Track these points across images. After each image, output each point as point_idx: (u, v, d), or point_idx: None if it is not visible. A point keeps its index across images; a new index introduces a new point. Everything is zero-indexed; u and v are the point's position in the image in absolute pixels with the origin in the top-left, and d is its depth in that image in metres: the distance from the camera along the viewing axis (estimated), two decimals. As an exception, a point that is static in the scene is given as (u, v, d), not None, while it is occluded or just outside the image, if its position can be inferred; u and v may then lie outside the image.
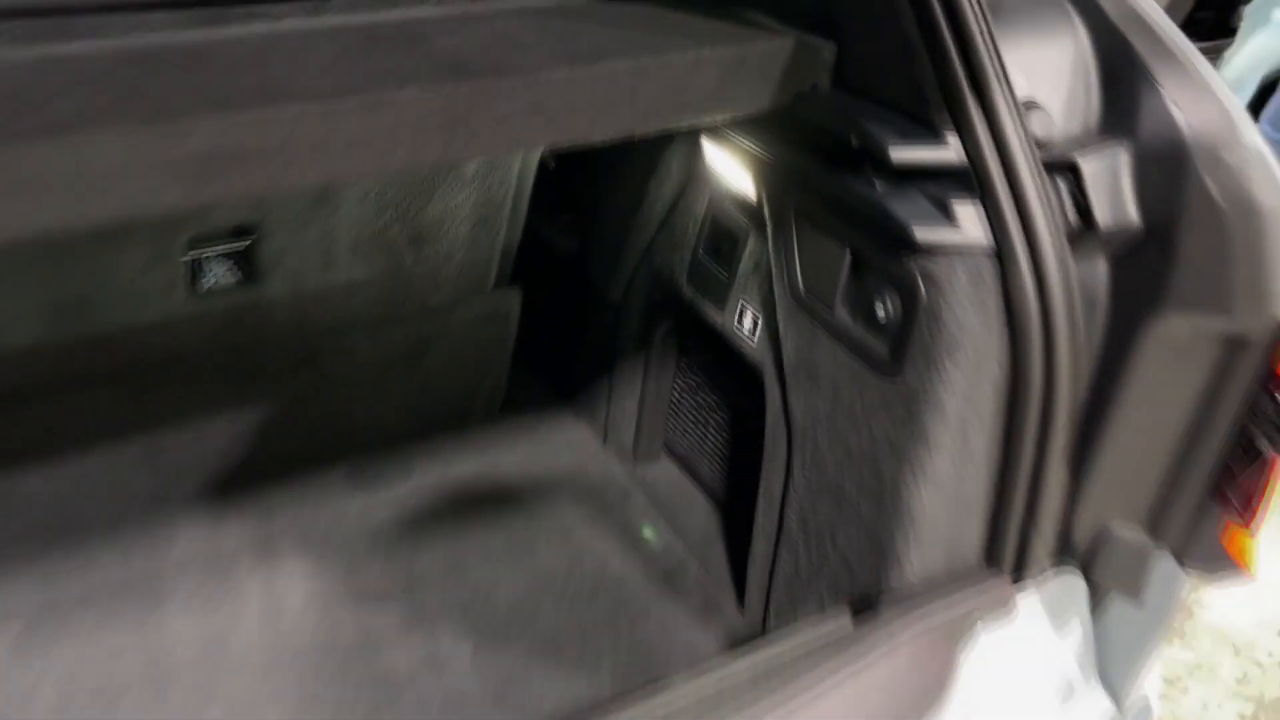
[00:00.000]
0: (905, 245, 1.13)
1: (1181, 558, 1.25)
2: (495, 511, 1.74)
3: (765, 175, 1.35)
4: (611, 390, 1.82)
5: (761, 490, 1.48)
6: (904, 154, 1.11)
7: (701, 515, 1.75)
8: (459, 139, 1.01)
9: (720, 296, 1.50)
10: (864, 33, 1.15)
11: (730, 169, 1.43)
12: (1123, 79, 1.17)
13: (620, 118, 1.08)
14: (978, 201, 1.11)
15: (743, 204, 1.44)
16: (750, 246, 1.44)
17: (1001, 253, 1.10)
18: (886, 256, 1.17)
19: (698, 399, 1.73)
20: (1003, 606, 1.25)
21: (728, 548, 1.68)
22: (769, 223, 1.35)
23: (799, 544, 1.41)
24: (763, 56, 1.14)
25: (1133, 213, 1.13)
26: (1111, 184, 1.13)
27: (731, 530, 1.70)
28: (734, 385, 1.62)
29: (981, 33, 1.06)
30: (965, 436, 1.18)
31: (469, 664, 1.49)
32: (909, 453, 1.20)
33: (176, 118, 0.87)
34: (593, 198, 1.78)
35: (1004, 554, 1.25)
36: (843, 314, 1.26)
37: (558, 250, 1.84)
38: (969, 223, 1.11)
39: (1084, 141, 1.17)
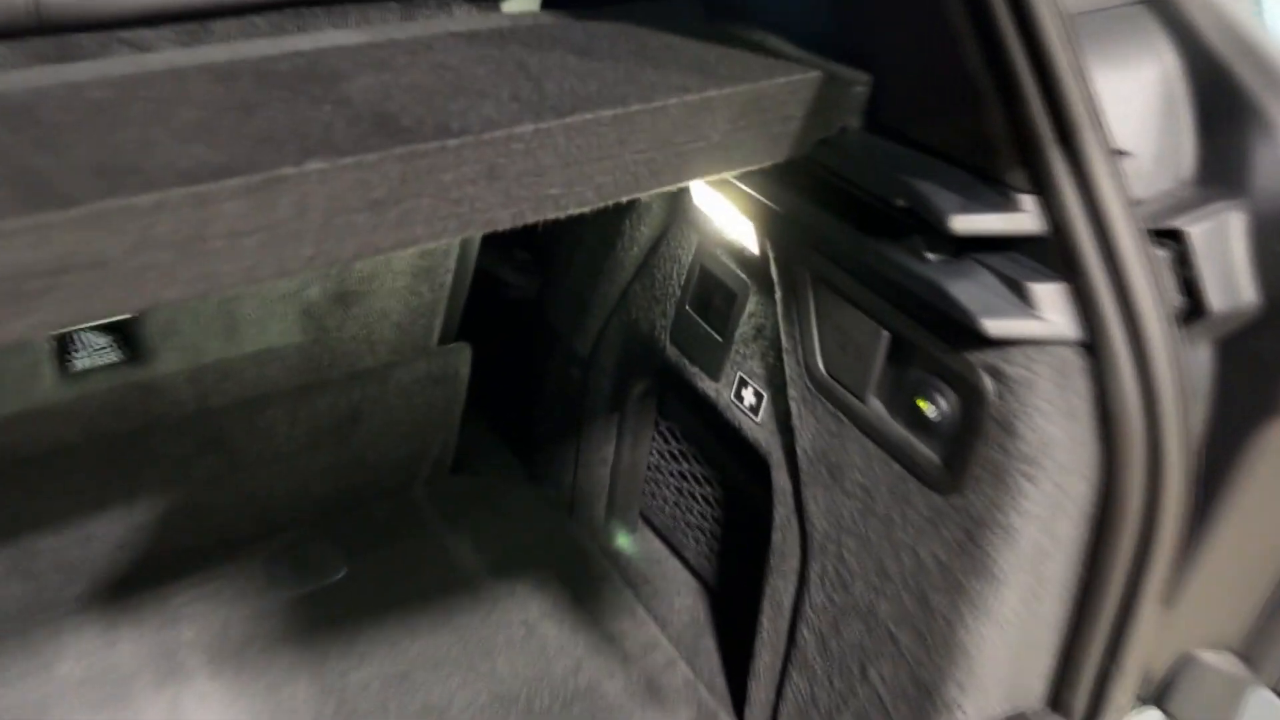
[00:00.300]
0: (968, 335, 0.89)
1: (1288, 694, 1.04)
2: (445, 606, 1.48)
3: (772, 228, 1.09)
4: (580, 455, 1.56)
5: (767, 595, 1.23)
6: (969, 222, 0.86)
7: (688, 598, 1.51)
8: (386, 224, 0.74)
9: (712, 363, 1.25)
10: (910, 64, 0.90)
11: (726, 213, 1.17)
12: (1225, 120, 0.94)
13: (602, 184, 0.82)
14: (1063, 280, 0.87)
15: (741, 256, 1.19)
16: (751, 308, 1.18)
17: (1095, 345, 0.86)
18: (940, 345, 0.93)
19: (682, 468, 1.48)
20: (1075, 761, 1.02)
21: (721, 645, 1.44)
22: (778, 284, 1.10)
23: (817, 668, 1.17)
24: (782, 93, 0.88)
25: (1247, 289, 0.90)
26: (1223, 254, 0.90)
27: (725, 624, 1.46)
28: (729, 459, 1.37)
29: (1070, 65, 0.81)
30: (1039, 568, 0.94)
31: (419, 814, 1.24)
32: (967, 586, 0.96)
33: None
34: (554, 233, 1.51)
35: (1076, 699, 1.03)
36: (877, 407, 1.01)
37: (512, 293, 1.58)
38: (1052, 308, 0.86)
39: (1180, 200, 0.93)
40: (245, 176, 0.67)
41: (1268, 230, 0.89)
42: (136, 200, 0.63)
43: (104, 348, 1.19)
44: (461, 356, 1.48)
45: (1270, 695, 1.05)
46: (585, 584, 1.53)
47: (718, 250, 1.22)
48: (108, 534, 1.36)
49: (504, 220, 0.79)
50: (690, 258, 1.27)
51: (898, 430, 1.00)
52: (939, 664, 1.01)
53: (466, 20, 0.98)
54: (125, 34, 0.88)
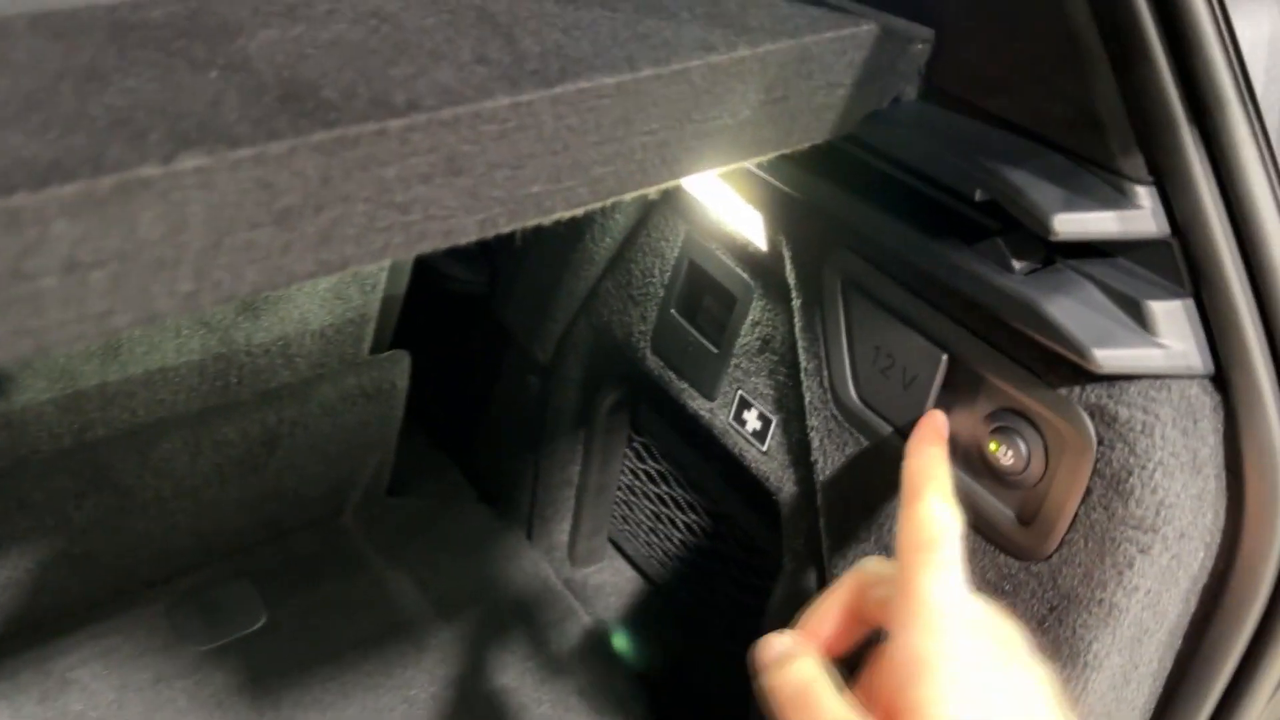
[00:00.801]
0: (1063, 365, 0.70)
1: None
2: (385, 657, 1.26)
3: (790, 219, 0.89)
4: (539, 475, 1.35)
5: (773, 653, 1.04)
6: (1077, 222, 0.66)
7: (670, 635, 1.31)
8: (302, 242, 0.52)
9: (706, 378, 1.04)
10: (989, 15, 0.70)
11: (723, 198, 0.96)
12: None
13: (600, 177, 0.61)
14: (1190, 297, 0.68)
15: (744, 252, 0.98)
16: (755, 315, 0.98)
17: (1229, 379, 0.68)
18: (1022, 376, 0.73)
19: (660, 492, 1.28)
20: None
21: (710, 690, 1.25)
22: (795, 290, 0.90)
23: (837, 742, 0.98)
24: (830, 52, 0.67)
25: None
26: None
27: (713, 667, 1.27)
28: (720, 486, 1.17)
29: (1215, 13, 0.61)
30: (1137, 650, 0.76)
31: None
32: (1050, 670, 0.77)
33: None
34: (504, 218, 1.28)
35: (1161, 790, 0.85)
36: (928, 446, 0.82)
37: (457, 290, 1.35)
38: (1177, 334, 0.67)
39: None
40: (87, 181, 0.44)
41: None
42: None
43: (-54, 376, 0.94)
44: (398, 367, 1.25)
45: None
46: (548, 624, 1.32)
47: (711, 244, 1.01)
48: (-31, 593, 1.12)
49: (469, 230, 0.58)
50: (676, 252, 1.05)
51: (957, 476, 0.80)
52: (1003, 756, 0.83)
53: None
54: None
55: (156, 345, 1.02)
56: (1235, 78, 0.62)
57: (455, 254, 1.35)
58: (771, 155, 0.70)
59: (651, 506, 1.30)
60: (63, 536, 1.13)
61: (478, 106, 0.54)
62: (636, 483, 1.31)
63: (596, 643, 1.31)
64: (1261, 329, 0.66)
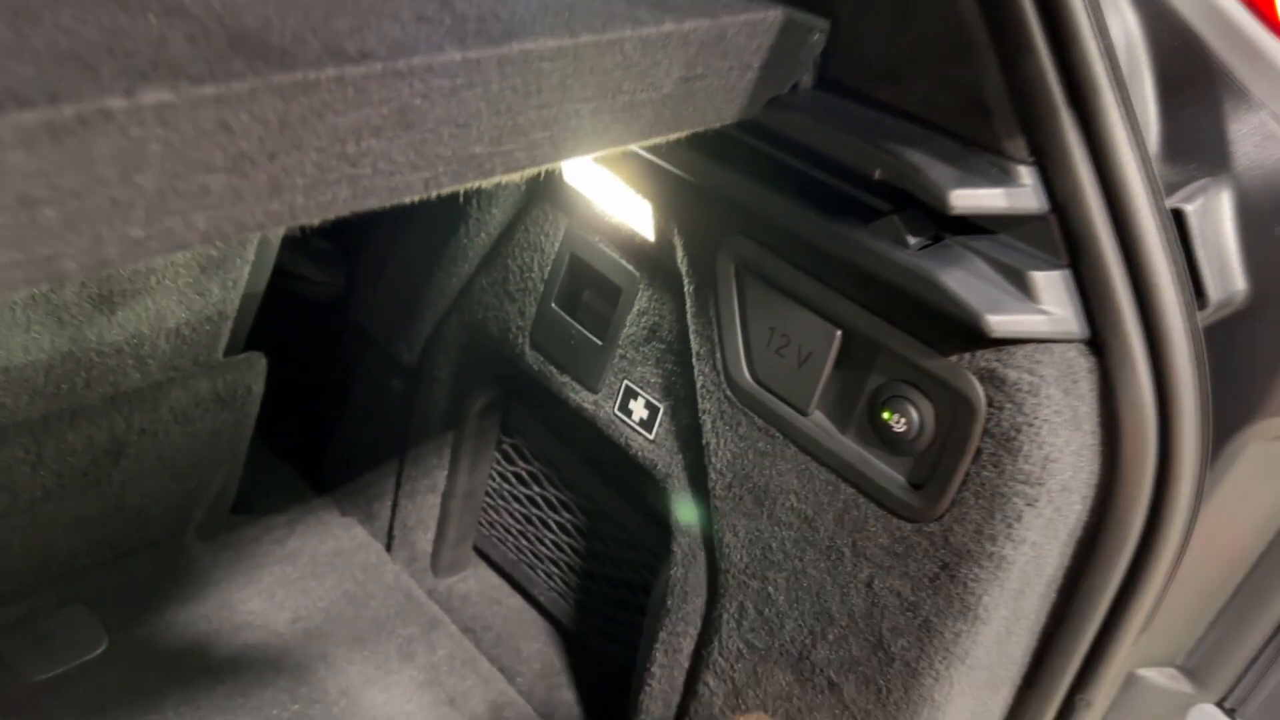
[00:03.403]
0: (954, 333, 0.75)
1: (1235, 711, 0.97)
2: (239, 681, 1.19)
3: (682, 206, 0.91)
4: (401, 482, 1.31)
5: (660, 641, 1.05)
6: (971, 198, 0.71)
7: (539, 643, 1.30)
8: (254, 190, 0.50)
9: (588, 371, 1.05)
10: (879, 11, 0.74)
11: (606, 187, 0.98)
12: (1195, 91, 0.84)
13: (536, 141, 0.61)
14: (1068, 268, 0.74)
15: (629, 243, 1.00)
16: (641, 304, 0.99)
17: (1105, 342, 0.74)
18: (915, 346, 0.78)
19: (531, 493, 1.27)
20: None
21: (582, 695, 1.25)
22: (686, 276, 0.92)
23: (727, 724, 1.00)
24: (744, 35, 0.70)
25: (1238, 277, 0.81)
26: (1216, 236, 0.80)
27: (586, 669, 1.27)
28: (595, 482, 1.18)
29: (1089, 9, 0.68)
30: (1020, 601, 0.82)
31: None
32: (940, 627, 0.82)
33: None
34: (364, 218, 1.25)
35: (1037, 736, 0.91)
36: (822, 420, 0.86)
37: (311, 291, 1.31)
38: (1057, 301, 0.73)
39: (1162, 177, 0.83)
40: (46, 110, 0.41)
41: (1255, 210, 0.80)
42: None
43: None
44: (254, 371, 1.20)
45: (1214, 710, 0.98)
46: (413, 635, 1.28)
47: (594, 237, 1.03)
48: None
49: (414, 187, 0.57)
50: (556, 246, 1.06)
51: (850, 447, 0.84)
52: (894, 717, 0.87)
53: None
54: None
55: (3, 343, 0.94)
56: (1107, 68, 0.69)
57: (308, 254, 1.30)
58: (686, 133, 0.72)
59: (521, 509, 1.29)
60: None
61: (430, 59, 0.53)
62: (505, 486, 1.30)
63: (465, 651, 1.28)
64: (1133, 296, 0.73)
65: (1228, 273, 0.80)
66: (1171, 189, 0.81)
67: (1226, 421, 0.83)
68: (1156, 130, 0.86)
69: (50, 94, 0.42)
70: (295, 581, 1.31)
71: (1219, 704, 0.98)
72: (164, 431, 1.16)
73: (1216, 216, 0.80)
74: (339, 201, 0.54)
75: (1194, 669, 0.97)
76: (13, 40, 0.45)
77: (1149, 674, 0.98)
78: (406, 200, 0.58)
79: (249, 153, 0.48)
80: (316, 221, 0.54)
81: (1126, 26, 0.86)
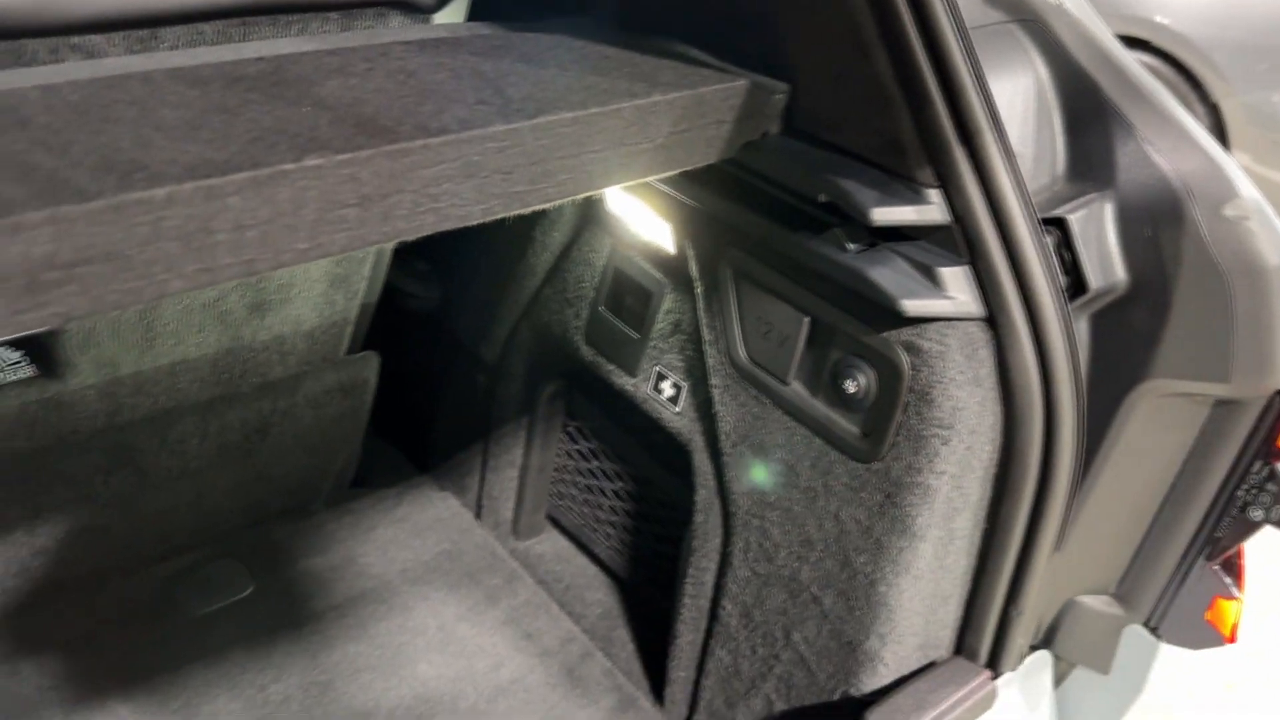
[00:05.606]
0: (885, 316, 0.99)
1: (1157, 629, 1.17)
2: (359, 616, 1.48)
3: (691, 227, 1.17)
4: (487, 460, 1.60)
5: (689, 577, 1.30)
6: (886, 214, 0.96)
7: (600, 594, 1.57)
8: (373, 218, 0.78)
9: (630, 359, 1.31)
10: (826, 75, 1.00)
11: (640, 215, 1.25)
12: (1091, 123, 1.07)
13: (563, 181, 0.88)
14: (968, 264, 0.98)
15: (657, 256, 1.26)
16: (668, 305, 1.26)
17: (997, 321, 0.98)
18: (859, 327, 1.02)
19: (590, 466, 1.54)
20: (983, 703, 1.13)
21: (635, 633, 1.50)
22: (697, 281, 1.18)
23: (740, 639, 1.24)
24: (717, 99, 0.96)
25: (1119, 270, 1.03)
26: (1098, 239, 1.03)
27: (638, 613, 1.52)
28: (641, 454, 1.44)
29: (970, 73, 0.92)
30: (950, 523, 1.05)
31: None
32: (888, 544, 1.06)
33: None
34: (455, 242, 1.55)
35: (980, 643, 1.14)
36: (799, 388, 1.10)
37: (413, 304, 1.60)
38: (959, 288, 0.97)
39: (1058, 193, 1.06)
40: (251, 172, 0.70)
41: (1131, 217, 1.03)
42: (151, 193, 0.66)
43: (16, 363, 1.16)
44: (370, 366, 1.50)
45: (1142, 630, 1.19)
46: (498, 585, 1.56)
47: (631, 253, 1.30)
48: (8, 559, 1.31)
49: (475, 215, 0.84)
50: (604, 261, 1.33)
51: (819, 408, 1.09)
52: (861, 619, 1.11)
53: (406, 31, 1.02)
54: (75, 40, 0.89)
55: (182, 339, 1.25)
56: (987, 114, 0.93)
57: (411, 273, 1.60)
58: (678, 171, 0.98)
59: (584, 480, 1.56)
60: (87, 511, 1.34)
61: (485, 131, 0.81)
62: (570, 462, 1.57)
63: (540, 598, 1.55)
64: (1015, 285, 0.96)
65: (1110, 267, 1.03)
66: (1064, 201, 1.04)
67: (1122, 382, 1.06)
68: (1064, 156, 1.10)
69: (252, 161, 0.70)
70: (402, 541, 1.60)
71: (1145, 624, 1.18)
72: (300, 415, 1.46)
73: (1100, 222, 1.03)
74: (427, 226, 0.82)
75: (1124, 595, 1.18)
76: (223, 127, 0.74)
77: (1087, 600, 1.19)
78: (472, 224, 0.85)
79: (369, 194, 0.76)
80: (413, 239, 0.82)
81: (1038, 74, 1.10)
